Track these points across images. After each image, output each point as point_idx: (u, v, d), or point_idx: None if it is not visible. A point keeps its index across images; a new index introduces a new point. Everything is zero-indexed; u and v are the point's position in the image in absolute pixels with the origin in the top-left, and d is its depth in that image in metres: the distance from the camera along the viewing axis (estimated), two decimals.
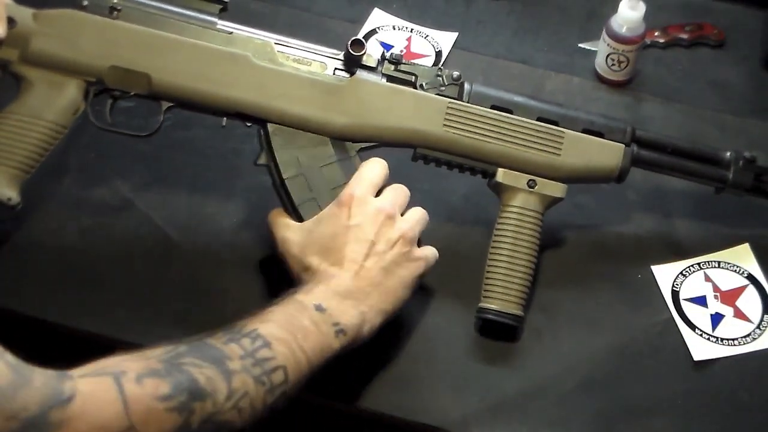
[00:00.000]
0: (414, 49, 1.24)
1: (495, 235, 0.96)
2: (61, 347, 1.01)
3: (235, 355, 0.74)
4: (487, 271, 0.95)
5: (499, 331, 0.95)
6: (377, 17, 1.27)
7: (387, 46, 1.24)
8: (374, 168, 0.92)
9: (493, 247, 0.96)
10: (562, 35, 1.28)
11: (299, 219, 0.92)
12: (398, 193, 0.92)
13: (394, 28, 1.26)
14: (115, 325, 0.95)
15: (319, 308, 0.82)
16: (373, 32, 1.25)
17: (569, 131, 0.97)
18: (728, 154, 1.01)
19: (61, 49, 0.92)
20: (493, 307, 0.93)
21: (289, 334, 0.78)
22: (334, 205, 0.89)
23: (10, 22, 0.92)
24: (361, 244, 0.87)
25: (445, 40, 1.25)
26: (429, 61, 1.22)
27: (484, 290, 0.95)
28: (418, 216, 0.92)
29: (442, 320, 0.97)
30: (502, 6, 1.31)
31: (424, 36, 1.26)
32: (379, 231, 0.88)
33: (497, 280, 0.94)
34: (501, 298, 0.93)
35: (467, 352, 0.95)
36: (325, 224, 0.88)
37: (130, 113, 0.99)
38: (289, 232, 0.90)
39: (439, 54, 1.23)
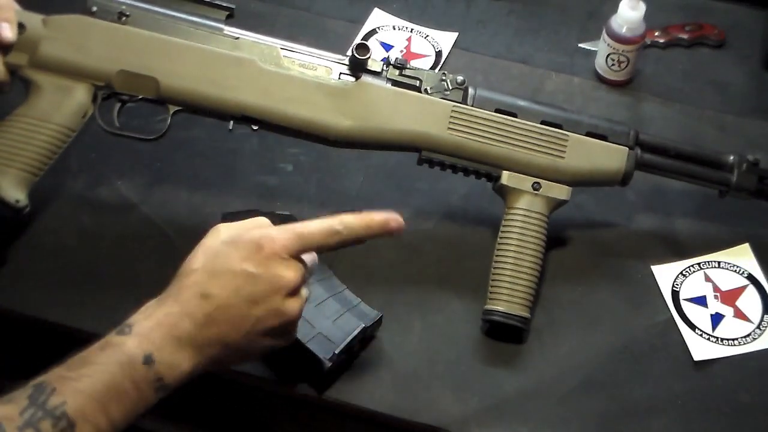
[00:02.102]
0: (414, 49, 1.24)
1: (500, 238, 0.96)
2: (61, 347, 1.01)
3: None
4: (493, 274, 0.95)
5: (505, 334, 0.95)
6: (377, 17, 1.27)
7: (387, 46, 1.24)
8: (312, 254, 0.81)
9: (498, 250, 0.96)
10: (562, 35, 1.28)
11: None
12: (310, 268, 0.81)
13: (394, 28, 1.27)
14: (115, 325, 0.94)
15: (148, 361, 0.73)
16: (373, 32, 1.26)
17: (573, 134, 0.97)
18: (731, 157, 1.01)
19: (69, 54, 0.93)
20: (499, 309, 0.93)
21: (101, 406, 0.70)
22: (255, 242, 0.76)
23: (20, 27, 0.93)
24: (243, 297, 0.75)
25: (445, 40, 1.25)
26: (429, 61, 1.22)
27: (491, 292, 0.95)
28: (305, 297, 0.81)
29: (442, 320, 0.97)
30: (502, 6, 1.31)
31: (424, 36, 1.26)
32: (271, 298, 0.76)
33: (503, 282, 0.94)
34: (507, 300, 0.94)
35: (467, 353, 0.95)
36: (234, 249, 0.76)
37: (130, 113, 0.99)
38: (222, 228, 0.80)
39: (439, 54, 1.23)
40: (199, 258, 0.77)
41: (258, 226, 0.79)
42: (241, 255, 0.76)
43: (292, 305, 0.78)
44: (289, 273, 0.77)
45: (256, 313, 0.76)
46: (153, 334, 0.74)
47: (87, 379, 0.71)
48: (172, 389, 0.75)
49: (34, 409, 0.68)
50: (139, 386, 0.73)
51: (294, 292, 0.78)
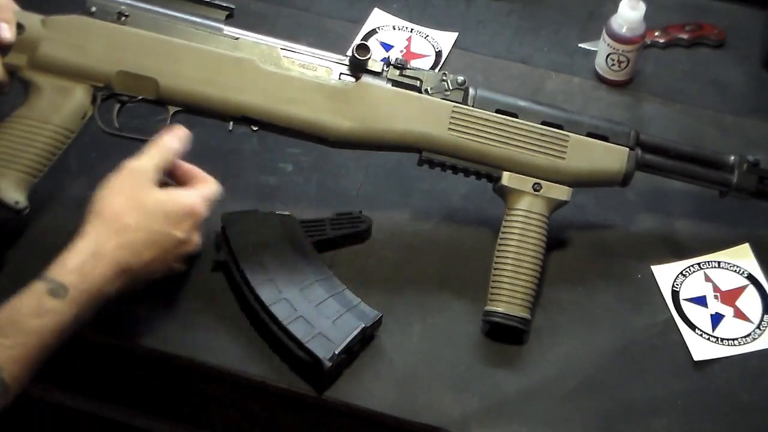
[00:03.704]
0: (414, 49, 1.24)
1: (501, 238, 0.96)
2: (60, 347, 1.01)
3: None
4: (494, 274, 0.95)
5: (505, 334, 0.95)
6: (377, 17, 1.27)
7: (387, 46, 1.24)
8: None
9: (498, 250, 0.96)
10: (562, 35, 1.28)
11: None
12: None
13: (394, 28, 1.27)
14: (115, 325, 0.95)
15: (81, 321, 0.81)
16: (373, 32, 1.26)
17: (574, 135, 0.97)
18: (732, 157, 1.01)
19: (69, 55, 0.93)
20: (500, 310, 0.93)
21: (34, 367, 0.79)
22: (188, 211, 0.87)
23: (19, 27, 0.93)
24: (163, 234, 0.85)
25: (445, 40, 1.25)
26: (429, 61, 1.22)
27: (491, 293, 0.95)
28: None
29: (442, 320, 0.97)
30: (502, 6, 1.31)
31: (424, 36, 1.26)
32: (182, 232, 0.87)
33: (503, 282, 0.94)
34: (508, 301, 0.93)
35: (467, 353, 0.95)
36: (171, 221, 0.86)
37: (130, 113, 0.99)
38: (150, 177, 0.87)
39: (439, 54, 1.23)
40: (136, 216, 0.84)
41: (185, 193, 0.88)
42: (176, 222, 0.86)
43: (196, 241, 0.89)
44: (197, 235, 0.89)
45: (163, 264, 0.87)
46: (90, 300, 0.81)
47: (22, 347, 0.77)
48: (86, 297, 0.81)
49: None
50: (69, 335, 0.80)
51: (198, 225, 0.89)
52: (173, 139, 0.90)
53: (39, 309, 0.77)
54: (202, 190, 0.89)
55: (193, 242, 0.89)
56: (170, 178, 0.90)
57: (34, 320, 0.77)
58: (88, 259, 0.81)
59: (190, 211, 0.87)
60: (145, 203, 0.84)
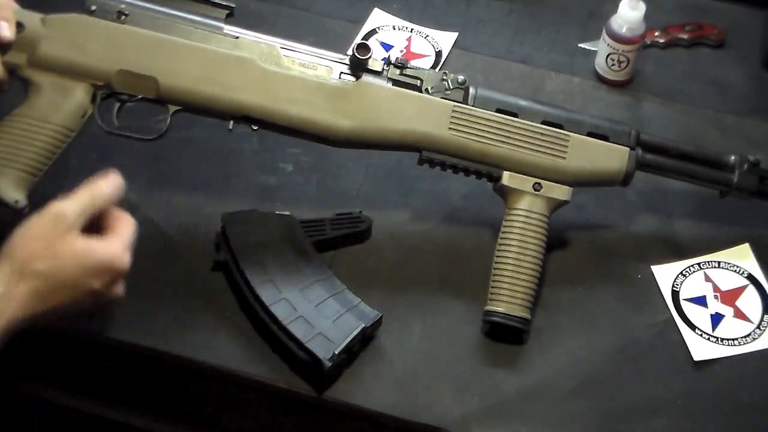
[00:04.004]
0: (414, 49, 1.24)
1: (501, 238, 0.96)
2: (60, 347, 1.01)
3: None
4: (494, 274, 0.95)
5: (505, 334, 0.95)
6: (377, 17, 1.27)
7: (387, 46, 1.24)
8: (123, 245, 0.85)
9: (499, 250, 0.96)
10: (562, 35, 1.28)
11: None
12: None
13: (394, 28, 1.27)
14: (115, 325, 0.95)
15: None
16: (373, 32, 1.26)
17: (574, 135, 0.97)
18: (732, 157, 1.01)
19: (69, 54, 0.93)
20: (500, 310, 0.93)
21: None
22: (107, 264, 0.83)
23: (19, 26, 0.93)
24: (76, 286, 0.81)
25: (445, 40, 1.25)
26: (429, 61, 1.22)
27: (491, 293, 0.95)
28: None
29: (442, 320, 0.97)
30: (502, 6, 1.31)
31: (424, 36, 1.26)
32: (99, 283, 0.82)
33: (504, 282, 0.94)
34: (508, 301, 0.93)
35: (467, 353, 0.95)
36: (86, 270, 0.82)
37: (130, 113, 0.99)
38: (72, 231, 0.82)
39: (439, 54, 1.23)
40: (47, 263, 0.80)
41: (105, 244, 0.83)
42: (91, 273, 0.82)
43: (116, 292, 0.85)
44: (121, 287, 0.85)
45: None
46: None
47: None
48: None
49: None
50: None
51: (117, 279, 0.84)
52: (107, 185, 0.85)
53: None
54: (123, 239, 0.84)
55: (113, 293, 0.84)
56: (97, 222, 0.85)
57: None
58: None
59: (109, 265, 0.82)
60: (60, 252, 0.81)
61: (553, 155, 0.97)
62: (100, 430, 1.18)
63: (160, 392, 1.03)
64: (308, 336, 0.89)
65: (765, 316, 1.00)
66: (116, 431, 1.13)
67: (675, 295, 1.01)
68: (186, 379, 0.99)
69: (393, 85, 0.96)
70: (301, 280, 0.94)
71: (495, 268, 0.96)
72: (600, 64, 1.21)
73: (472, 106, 0.97)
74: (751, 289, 1.02)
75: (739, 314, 1.00)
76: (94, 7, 0.94)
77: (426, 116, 0.95)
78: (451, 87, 0.97)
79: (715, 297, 1.01)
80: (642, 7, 1.15)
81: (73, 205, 0.83)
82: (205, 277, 0.98)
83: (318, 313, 0.91)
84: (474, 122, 0.96)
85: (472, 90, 0.97)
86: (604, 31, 1.18)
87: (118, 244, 0.84)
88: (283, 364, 0.92)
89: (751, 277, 1.03)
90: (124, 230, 0.85)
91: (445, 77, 0.97)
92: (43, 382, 1.07)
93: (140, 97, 0.95)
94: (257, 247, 0.96)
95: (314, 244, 0.98)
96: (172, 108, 0.95)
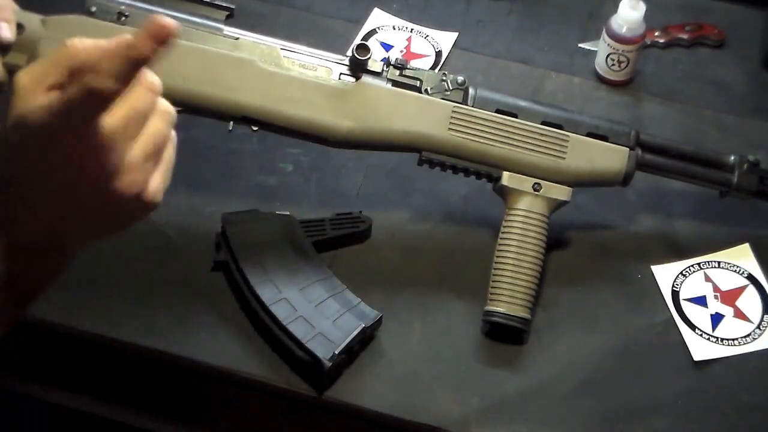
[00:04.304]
0: (414, 49, 1.24)
1: (501, 239, 0.96)
2: (60, 347, 1.01)
3: None
4: (494, 274, 0.95)
5: (505, 334, 0.95)
6: (377, 17, 1.27)
7: (387, 46, 1.24)
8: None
9: (498, 250, 0.96)
10: (562, 35, 1.28)
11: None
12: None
13: (394, 28, 1.27)
14: (115, 325, 0.95)
15: None
16: (373, 32, 1.26)
17: (574, 135, 0.97)
18: (732, 157, 1.01)
19: None
20: (500, 310, 0.93)
21: None
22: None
23: (19, 27, 0.93)
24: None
25: (445, 40, 1.25)
26: (429, 61, 1.22)
27: (491, 293, 0.95)
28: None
29: (442, 320, 0.97)
30: (502, 6, 1.31)
31: (424, 36, 1.26)
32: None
33: (504, 283, 0.94)
34: (508, 301, 0.93)
35: (467, 352, 0.95)
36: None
37: None
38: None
39: (439, 54, 1.23)
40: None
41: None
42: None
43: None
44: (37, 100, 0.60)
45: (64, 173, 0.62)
46: None
47: None
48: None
49: None
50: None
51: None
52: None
53: None
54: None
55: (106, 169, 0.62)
56: None
57: None
58: None
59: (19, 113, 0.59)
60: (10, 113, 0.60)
61: (553, 155, 0.97)
62: (100, 430, 1.18)
63: (160, 392, 1.03)
64: (308, 336, 0.89)
65: (765, 316, 1.00)
66: (116, 431, 1.13)
67: (675, 295, 1.01)
68: (186, 379, 0.99)
69: (392, 85, 0.96)
70: (301, 280, 0.94)
71: (495, 269, 0.96)
72: (600, 64, 1.21)
73: (472, 106, 0.97)
74: (751, 289, 1.02)
75: (739, 314, 1.00)
76: (94, 9, 0.94)
77: (425, 117, 0.96)
78: (451, 88, 0.97)
79: (715, 297, 1.01)
80: (642, 7, 1.15)
81: (29, 66, 0.60)
82: (205, 277, 0.98)
83: (318, 313, 0.91)
84: (473, 123, 0.96)
85: (471, 90, 0.97)
86: (604, 31, 1.18)
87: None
88: (283, 364, 0.92)
89: (751, 277, 1.03)
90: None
91: (444, 78, 0.97)
92: (43, 382, 1.07)
93: None
94: (257, 247, 0.96)
95: (314, 244, 0.98)
96: None
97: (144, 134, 0.67)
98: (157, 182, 0.69)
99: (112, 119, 0.62)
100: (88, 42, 0.60)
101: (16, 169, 0.62)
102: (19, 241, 0.64)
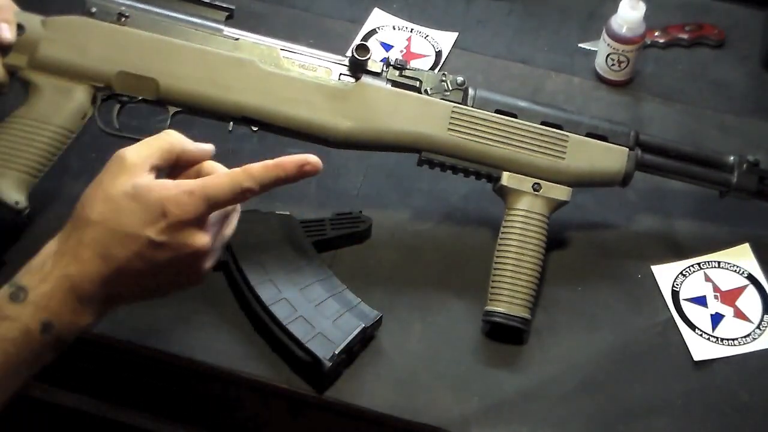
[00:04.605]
0: (414, 49, 1.24)
1: (501, 239, 0.96)
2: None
3: None
4: (494, 274, 0.95)
5: (505, 334, 0.95)
6: (377, 17, 1.27)
7: (387, 46, 1.24)
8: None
9: (498, 251, 0.96)
10: (562, 35, 1.28)
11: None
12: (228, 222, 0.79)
13: (394, 28, 1.27)
14: (115, 325, 0.95)
15: (47, 329, 0.69)
16: (373, 32, 1.26)
17: (573, 135, 0.97)
18: (732, 157, 1.01)
19: (69, 55, 0.93)
20: (500, 310, 0.93)
21: None
22: (161, 206, 0.70)
23: (19, 28, 0.93)
24: (145, 262, 0.71)
25: (445, 40, 1.25)
26: (429, 61, 1.22)
27: (491, 293, 0.95)
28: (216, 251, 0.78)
29: (442, 320, 0.97)
30: (502, 6, 1.31)
31: (424, 36, 1.26)
32: (175, 265, 0.72)
33: (504, 283, 0.94)
34: (508, 301, 0.93)
35: (467, 353, 0.95)
36: (138, 209, 0.70)
37: (130, 114, 0.99)
38: (126, 168, 0.71)
39: (439, 54, 1.23)
40: (99, 208, 0.70)
41: (163, 184, 0.71)
42: (145, 219, 0.70)
43: (199, 266, 0.74)
44: (196, 240, 0.71)
45: (160, 279, 0.72)
46: (51, 302, 0.69)
47: None
48: (72, 341, 0.72)
49: None
50: (37, 352, 0.69)
51: (202, 254, 0.73)
52: (179, 136, 0.76)
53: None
54: (191, 185, 0.71)
55: (184, 246, 0.71)
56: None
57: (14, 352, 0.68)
58: (58, 261, 0.70)
59: (162, 208, 0.69)
60: (113, 194, 0.70)
61: (553, 156, 0.97)
62: (100, 430, 1.18)
63: (160, 392, 1.04)
64: (308, 336, 0.89)
65: (765, 316, 1.00)
66: (116, 431, 1.13)
67: (675, 295, 1.01)
68: (186, 379, 0.99)
69: (392, 86, 0.96)
70: (301, 280, 0.94)
71: (495, 269, 0.96)
72: (600, 64, 1.21)
73: (472, 107, 0.97)
74: (751, 289, 1.02)
75: (739, 314, 1.00)
76: (94, 9, 0.95)
77: (425, 117, 0.96)
78: (451, 88, 0.97)
79: (715, 297, 1.01)
80: (642, 7, 1.15)
81: (135, 147, 0.72)
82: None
83: (318, 313, 0.91)
84: (473, 123, 0.96)
85: (471, 91, 0.97)
86: (604, 31, 1.18)
87: (179, 186, 0.70)
88: (283, 364, 0.92)
89: (751, 277, 1.03)
90: (205, 180, 0.72)
91: (444, 78, 0.97)
92: (43, 381, 1.07)
93: (140, 98, 0.95)
94: (257, 247, 0.96)
95: (314, 244, 0.98)
96: (173, 109, 0.96)
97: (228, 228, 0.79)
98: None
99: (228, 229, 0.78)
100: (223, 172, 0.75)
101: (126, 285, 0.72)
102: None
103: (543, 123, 0.97)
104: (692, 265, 1.03)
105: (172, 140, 0.74)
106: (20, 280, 0.70)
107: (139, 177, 0.71)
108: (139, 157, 0.72)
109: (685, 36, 1.27)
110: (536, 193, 0.97)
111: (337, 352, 0.88)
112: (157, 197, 0.70)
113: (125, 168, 0.71)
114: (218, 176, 0.73)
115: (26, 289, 0.69)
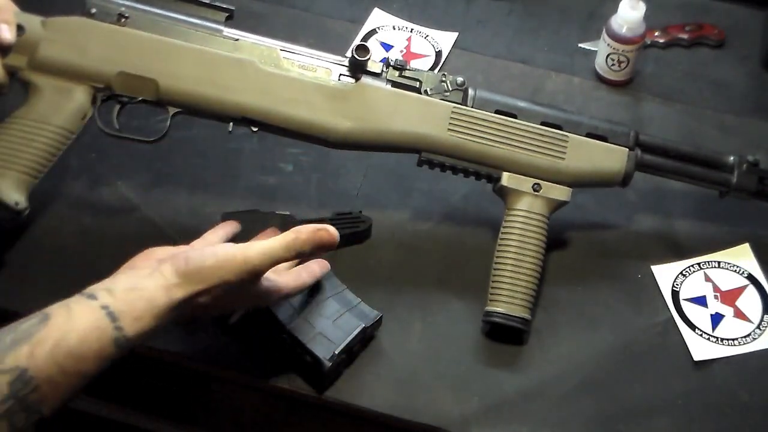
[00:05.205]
0: (414, 49, 1.24)
1: (500, 239, 0.96)
2: None
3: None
4: (494, 275, 0.95)
5: (505, 335, 0.95)
6: (377, 17, 1.27)
7: (387, 46, 1.24)
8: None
9: (498, 251, 0.96)
10: (562, 35, 1.28)
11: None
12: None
13: (394, 28, 1.27)
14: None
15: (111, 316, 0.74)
16: (373, 32, 1.26)
17: (573, 135, 0.97)
18: (731, 157, 1.01)
19: (69, 56, 0.93)
20: (500, 310, 0.93)
21: (57, 365, 0.70)
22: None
23: (19, 29, 0.93)
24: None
25: (445, 40, 1.25)
26: (429, 61, 1.22)
27: (491, 294, 0.95)
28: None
29: (443, 320, 0.97)
30: (502, 6, 1.31)
31: (424, 36, 1.26)
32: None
33: (504, 283, 0.94)
34: (508, 301, 0.93)
35: (467, 353, 0.95)
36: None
37: (130, 114, 0.99)
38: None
39: (439, 54, 1.23)
40: (211, 297, 0.78)
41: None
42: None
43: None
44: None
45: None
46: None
47: (69, 387, 0.71)
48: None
49: (13, 402, 0.68)
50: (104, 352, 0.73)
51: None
52: (307, 239, 0.81)
53: (101, 354, 0.72)
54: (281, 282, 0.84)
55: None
56: None
57: (91, 366, 0.72)
58: (161, 325, 0.76)
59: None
60: (231, 294, 0.80)
61: (552, 156, 0.97)
62: (99, 430, 1.18)
63: (160, 392, 1.04)
64: (308, 336, 0.89)
65: (765, 316, 1.00)
66: (116, 431, 1.13)
67: (675, 295, 1.01)
68: (186, 380, 0.99)
69: (392, 86, 0.96)
70: None
71: (495, 269, 0.96)
72: (600, 64, 1.21)
73: (471, 107, 0.97)
74: (751, 289, 1.02)
75: (739, 314, 1.00)
76: (94, 10, 0.95)
77: (425, 118, 0.96)
78: (450, 88, 0.97)
79: (715, 297, 1.01)
80: (642, 7, 1.15)
81: (259, 252, 0.79)
82: None
83: (318, 313, 0.91)
84: (473, 123, 0.96)
85: (471, 91, 0.97)
86: (604, 31, 1.18)
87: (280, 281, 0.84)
88: (283, 364, 0.92)
89: (751, 277, 1.03)
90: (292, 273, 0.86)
91: (444, 79, 0.97)
92: None
93: (140, 99, 0.95)
94: None
95: None
96: (173, 110, 0.96)
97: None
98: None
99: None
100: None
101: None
102: None
103: (543, 123, 0.97)
104: (692, 265, 1.03)
105: (293, 247, 0.81)
106: (127, 330, 0.74)
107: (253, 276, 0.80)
108: (262, 262, 0.80)
109: (685, 36, 1.27)
110: (536, 193, 0.97)
111: (337, 352, 0.88)
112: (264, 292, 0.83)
113: (245, 272, 0.79)
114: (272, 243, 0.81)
115: (129, 340, 0.74)
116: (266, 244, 0.79)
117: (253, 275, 0.79)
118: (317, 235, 0.80)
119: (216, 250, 0.79)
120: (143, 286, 0.76)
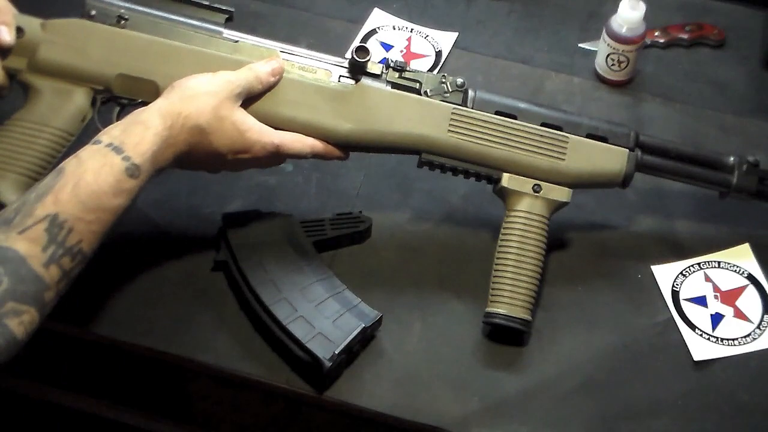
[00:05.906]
0: (414, 49, 1.24)
1: (501, 240, 0.96)
2: (60, 347, 1.01)
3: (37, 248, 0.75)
4: (494, 276, 0.95)
5: (506, 336, 0.95)
6: (377, 17, 1.27)
7: (387, 46, 1.24)
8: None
9: (499, 252, 0.96)
10: (562, 35, 1.28)
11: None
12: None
13: (394, 28, 1.27)
14: (115, 325, 0.95)
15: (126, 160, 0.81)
16: (373, 32, 1.26)
17: (573, 136, 0.97)
18: (732, 158, 1.01)
19: (68, 58, 0.93)
20: (501, 311, 0.93)
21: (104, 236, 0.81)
22: (248, 147, 0.91)
23: (18, 31, 0.93)
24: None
25: (445, 40, 1.25)
26: (429, 61, 1.22)
27: (492, 295, 0.95)
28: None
29: (443, 321, 0.97)
30: (502, 6, 1.31)
31: (424, 36, 1.26)
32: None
33: (505, 284, 0.94)
34: (509, 302, 0.93)
35: (467, 353, 0.95)
36: (235, 120, 0.90)
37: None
38: (232, 98, 0.90)
39: (439, 54, 1.23)
40: (208, 118, 0.87)
41: (259, 130, 0.92)
42: (232, 147, 0.90)
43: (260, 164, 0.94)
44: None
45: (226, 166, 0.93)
46: (150, 179, 0.84)
47: (99, 223, 0.79)
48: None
49: (55, 247, 0.76)
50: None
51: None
52: (268, 66, 0.93)
53: (118, 188, 0.80)
54: (281, 136, 0.92)
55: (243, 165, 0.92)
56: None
57: (114, 200, 0.80)
58: (161, 147, 0.84)
59: (249, 147, 0.90)
60: (223, 115, 0.88)
61: (553, 157, 0.97)
62: (100, 430, 1.19)
63: (160, 392, 1.04)
64: (308, 336, 0.89)
65: (765, 316, 1.00)
66: (116, 431, 1.13)
67: (675, 295, 1.01)
68: (186, 379, 0.99)
69: (392, 87, 0.96)
70: (301, 280, 0.94)
71: (495, 270, 0.96)
72: (600, 64, 1.21)
73: (471, 108, 0.97)
74: (751, 289, 1.02)
75: (739, 314, 1.00)
76: (93, 12, 0.94)
77: (425, 119, 0.96)
78: (450, 89, 0.97)
79: (715, 297, 1.01)
80: (642, 7, 1.15)
81: (241, 76, 0.91)
82: (205, 277, 0.98)
83: (318, 313, 0.92)
84: (473, 125, 0.96)
85: (471, 92, 0.97)
86: (604, 31, 1.18)
87: (268, 136, 0.91)
88: (283, 364, 0.92)
89: (751, 277, 1.03)
90: (284, 140, 0.92)
91: (444, 80, 0.97)
92: (42, 382, 1.07)
93: (140, 101, 0.95)
94: (257, 247, 0.96)
95: (314, 244, 0.98)
96: None
97: None
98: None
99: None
100: None
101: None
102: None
103: (543, 124, 0.97)
104: (692, 265, 1.03)
105: (261, 78, 0.93)
106: (135, 159, 0.82)
107: (239, 102, 0.90)
108: (242, 87, 0.90)
109: (685, 36, 1.27)
110: (536, 194, 0.97)
111: (337, 352, 0.88)
112: (252, 139, 0.90)
113: (235, 94, 0.90)
114: (298, 141, 0.94)
115: (141, 169, 0.82)
116: (243, 70, 0.91)
117: (234, 95, 0.89)
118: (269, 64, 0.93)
119: (200, 77, 0.89)
120: (138, 117, 0.84)
